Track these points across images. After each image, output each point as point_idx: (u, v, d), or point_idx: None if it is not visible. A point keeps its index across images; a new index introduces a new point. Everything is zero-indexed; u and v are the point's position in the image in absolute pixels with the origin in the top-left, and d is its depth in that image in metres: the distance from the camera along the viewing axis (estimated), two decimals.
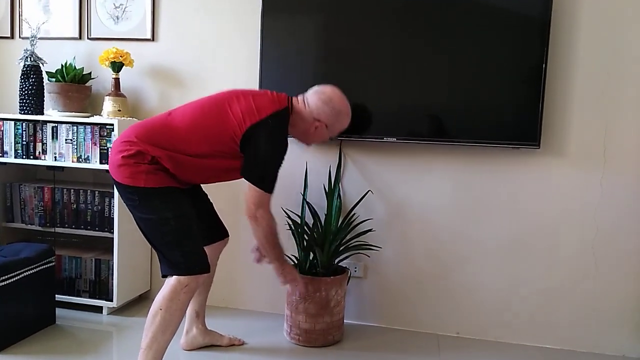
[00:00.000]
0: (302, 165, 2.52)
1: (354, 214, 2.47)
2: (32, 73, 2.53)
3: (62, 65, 2.62)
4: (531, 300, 2.39)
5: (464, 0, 2.22)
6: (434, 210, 2.44)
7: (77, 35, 2.74)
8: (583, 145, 2.28)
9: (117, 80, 2.55)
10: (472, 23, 2.22)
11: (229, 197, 2.59)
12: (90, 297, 2.53)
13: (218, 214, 2.15)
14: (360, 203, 2.47)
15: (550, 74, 2.26)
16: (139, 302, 2.67)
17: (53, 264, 2.35)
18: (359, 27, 2.33)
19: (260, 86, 2.42)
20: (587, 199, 2.30)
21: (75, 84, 2.58)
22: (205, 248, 1.86)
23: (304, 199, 2.46)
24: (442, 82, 2.27)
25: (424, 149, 2.43)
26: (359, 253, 2.50)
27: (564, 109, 2.28)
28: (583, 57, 2.25)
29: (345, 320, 2.45)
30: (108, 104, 2.52)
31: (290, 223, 2.36)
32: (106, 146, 2.40)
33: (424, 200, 2.45)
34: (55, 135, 2.47)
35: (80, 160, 2.44)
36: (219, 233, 2.14)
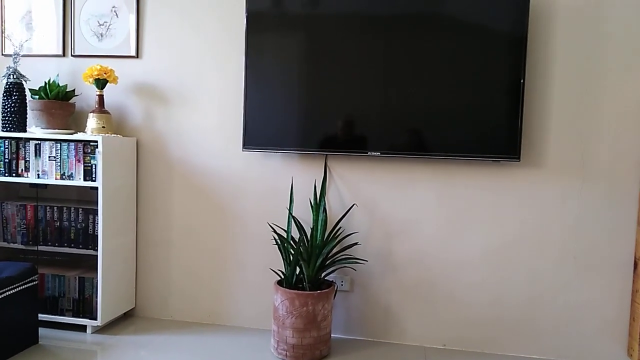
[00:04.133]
0: (287, 180, 2.53)
1: (340, 227, 2.49)
2: (14, 90, 2.53)
3: (45, 82, 2.61)
4: (515, 310, 2.42)
5: (443, 18, 2.27)
6: (418, 222, 2.47)
7: (60, 53, 2.73)
8: (562, 157, 2.34)
9: (101, 97, 2.55)
10: (452, 40, 2.28)
11: (214, 210, 2.59)
12: (74, 316, 2.50)
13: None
14: (345, 217, 2.50)
15: (528, 88, 2.32)
16: (124, 320, 2.63)
17: (36, 282, 2.32)
18: (341, 45, 2.37)
19: (245, 103, 2.44)
20: (568, 209, 2.35)
21: (59, 101, 2.58)
22: None
23: (289, 213, 2.47)
24: (424, 97, 2.32)
25: (407, 162, 2.46)
26: (345, 267, 2.52)
27: (542, 123, 2.34)
28: (560, 71, 2.31)
29: (332, 335, 2.45)
30: (92, 121, 2.52)
31: (277, 237, 2.37)
32: (90, 163, 2.40)
33: (408, 213, 2.48)
34: (38, 152, 2.45)
35: (64, 177, 2.43)
36: None
